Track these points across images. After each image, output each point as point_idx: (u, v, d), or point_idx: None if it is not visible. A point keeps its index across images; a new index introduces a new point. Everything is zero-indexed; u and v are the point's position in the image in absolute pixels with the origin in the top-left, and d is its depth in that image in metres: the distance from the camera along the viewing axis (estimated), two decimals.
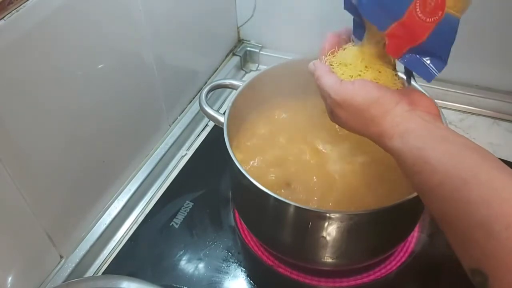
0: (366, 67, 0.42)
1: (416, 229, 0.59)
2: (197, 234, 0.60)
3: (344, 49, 0.44)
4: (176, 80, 0.72)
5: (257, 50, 0.88)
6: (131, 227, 0.63)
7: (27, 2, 0.43)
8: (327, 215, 0.45)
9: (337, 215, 0.44)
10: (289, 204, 0.44)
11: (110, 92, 0.57)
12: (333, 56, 0.44)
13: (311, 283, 0.55)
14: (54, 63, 0.47)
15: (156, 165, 0.68)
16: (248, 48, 0.88)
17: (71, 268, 0.56)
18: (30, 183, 0.48)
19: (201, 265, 0.57)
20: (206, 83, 0.81)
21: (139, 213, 0.65)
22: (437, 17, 0.38)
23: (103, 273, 0.58)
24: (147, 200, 0.66)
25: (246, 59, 0.89)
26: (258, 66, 0.89)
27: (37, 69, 0.46)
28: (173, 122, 0.74)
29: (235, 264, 0.57)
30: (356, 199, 0.51)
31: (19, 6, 0.42)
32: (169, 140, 0.71)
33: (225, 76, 0.83)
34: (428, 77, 0.41)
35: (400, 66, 0.44)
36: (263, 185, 0.45)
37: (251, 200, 0.52)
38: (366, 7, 0.38)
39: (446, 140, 0.35)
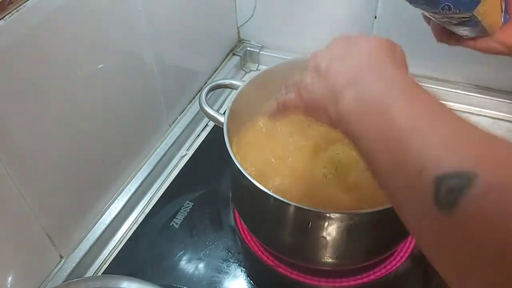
0: None
1: None
2: (197, 234, 0.60)
3: None
4: (176, 80, 0.72)
5: (257, 50, 0.88)
6: (131, 227, 0.63)
7: (27, 2, 0.43)
8: (327, 215, 0.45)
9: (337, 215, 0.44)
10: (289, 204, 0.44)
11: (110, 92, 0.57)
12: None
13: (311, 283, 0.55)
14: (54, 63, 0.47)
15: (156, 165, 0.68)
16: (248, 48, 0.88)
17: (71, 268, 0.56)
18: (30, 183, 0.48)
19: (201, 265, 0.57)
20: (206, 83, 0.81)
21: (139, 213, 0.65)
22: None
23: (103, 273, 0.58)
24: (147, 200, 0.66)
25: (246, 59, 0.89)
26: (258, 66, 0.89)
27: (37, 69, 0.46)
28: (173, 122, 0.74)
29: (235, 264, 0.57)
30: (356, 200, 0.51)
31: (19, 6, 0.42)
32: (169, 140, 0.71)
33: (225, 76, 0.83)
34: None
35: None
36: (263, 185, 0.45)
37: (251, 200, 0.52)
38: None
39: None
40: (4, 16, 0.41)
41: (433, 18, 0.51)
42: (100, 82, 0.55)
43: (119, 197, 0.64)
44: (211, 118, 0.55)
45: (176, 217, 0.62)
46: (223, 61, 0.86)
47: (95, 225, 0.60)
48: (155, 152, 0.69)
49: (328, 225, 0.46)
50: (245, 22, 0.86)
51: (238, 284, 0.55)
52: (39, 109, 0.47)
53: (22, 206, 0.48)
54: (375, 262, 0.55)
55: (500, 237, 0.22)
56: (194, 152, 0.73)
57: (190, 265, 0.57)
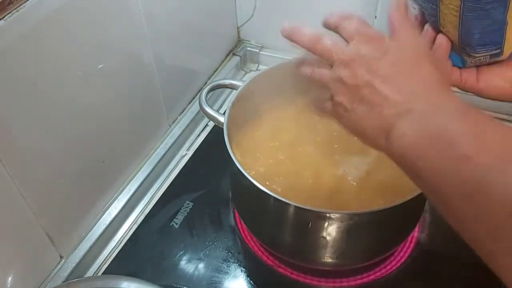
0: None
1: (416, 229, 0.59)
2: (197, 234, 0.60)
3: None
4: (176, 80, 0.72)
5: (257, 50, 0.88)
6: (131, 227, 0.63)
7: (27, 2, 0.43)
8: (327, 215, 0.45)
9: (337, 215, 0.44)
10: (289, 204, 0.44)
11: (110, 92, 0.57)
12: None
13: (311, 283, 0.55)
14: (54, 63, 0.47)
15: (156, 165, 0.68)
16: (248, 48, 0.88)
17: (71, 268, 0.56)
18: (30, 183, 0.48)
19: (201, 265, 0.57)
20: (206, 83, 0.81)
21: (139, 213, 0.65)
22: None
23: (103, 273, 0.58)
24: (147, 200, 0.66)
25: (246, 59, 0.89)
26: (258, 66, 0.89)
27: (37, 69, 0.46)
28: (173, 122, 0.74)
29: (235, 264, 0.57)
30: (356, 200, 0.51)
31: (19, 6, 0.42)
32: (169, 140, 0.71)
33: (225, 76, 0.83)
34: None
35: None
36: (262, 185, 0.45)
37: (251, 200, 0.52)
38: None
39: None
40: (4, 16, 0.41)
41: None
42: (100, 82, 0.55)
43: (119, 197, 0.64)
44: (211, 118, 0.55)
45: (176, 217, 0.62)
46: (223, 61, 0.86)
47: (95, 225, 0.60)
48: (155, 152, 0.69)
49: (328, 225, 0.46)
50: (245, 22, 0.86)
51: (238, 284, 0.55)
52: (39, 109, 0.47)
53: (22, 206, 0.48)
54: (375, 262, 0.55)
55: None
56: (194, 152, 0.73)
57: (190, 265, 0.57)
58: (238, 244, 0.59)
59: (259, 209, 0.51)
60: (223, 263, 0.57)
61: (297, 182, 0.53)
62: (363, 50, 0.35)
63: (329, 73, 0.38)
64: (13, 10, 0.42)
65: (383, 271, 0.56)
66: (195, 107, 0.76)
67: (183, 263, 0.57)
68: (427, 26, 0.44)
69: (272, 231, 0.53)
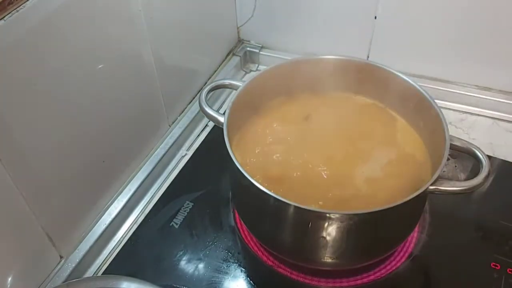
0: None
1: (416, 229, 0.59)
2: (197, 234, 0.60)
3: None
4: (176, 80, 0.72)
5: (257, 50, 0.88)
6: (131, 227, 0.63)
7: (27, 3, 0.43)
8: (327, 215, 0.45)
9: (337, 215, 0.44)
10: (289, 204, 0.44)
11: (110, 92, 0.57)
12: None
13: (311, 283, 0.55)
14: (54, 63, 0.47)
15: (156, 165, 0.68)
16: (248, 48, 0.88)
17: (71, 268, 0.56)
18: (30, 183, 0.48)
19: (201, 265, 0.57)
20: (206, 83, 0.81)
21: (139, 213, 0.65)
22: None
23: (103, 273, 0.58)
24: (147, 200, 0.66)
25: (246, 59, 0.89)
26: (258, 66, 0.89)
27: (37, 69, 0.46)
28: (173, 122, 0.74)
29: (235, 264, 0.57)
30: (356, 200, 0.51)
31: (19, 6, 0.42)
32: (169, 140, 0.71)
33: (225, 76, 0.83)
34: None
35: None
36: (262, 185, 0.45)
37: (251, 200, 0.52)
38: None
39: None
40: (4, 17, 0.41)
41: None
42: (100, 82, 0.55)
43: (119, 197, 0.64)
44: (211, 118, 0.55)
45: (176, 217, 0.62)
46: (223, 61, 0.86)
47: (95, 225, 0.60)
48: (155, 152, 0.69)
49: (328, 225, 0.46)
50: (245, 23, 0.86)
51: (238, 285, 0.55)
52: (39, 109, 0.47)
53: (22, 206, 0.48)
54: (375, 262, 0.55)
55: None
56: (194, 152, 0.73)
57: (190, 265, 0.57)
58: (238, 244, 0.59)
59: (259, 209, 0.51)
60: (223, 263, 0.57)
61: (297, 182, 0.53)
62: None
63: None
64: (13, 11, 0.42)
65: (383, 271, 0.56)
66: (195, 107, 0.76)
67: (183, 263, 0.57)
68: None
69: (272, 231, 0.53)
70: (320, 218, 0.45)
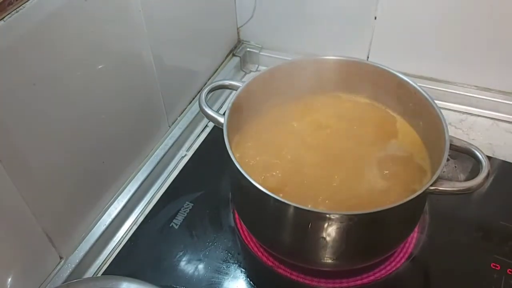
0: None
1: (416, 230, 0.59)
2: (197, 234, 0.60)
3: None
4: (176, 81, 0.72)
5: (257, 51, 0.88)
6: (131, 228, 0.63)
7: (27, 3, 0.43)
8: (327, 216, 0.45)
9: (337, 216, 0.44)
10: (288, 205, 0.44)
11: (110, 92, 0.57)
12: None
13: (311, 283, 0.55)
14: (54, 63, 0.47)
15: (156, 165, 0.68)
16: (248, 49, 0.88)
17: (71, 269, 0.56)
18: (30, 184, 0.48)
19: (200, 266, 0.57)
20: (206, 83, 0.81)
21: (139, 214, 0.65)
22: None
23: (103, 273, 0.58)
24: (147, 201, 0.66)
25: (246, 59, 0.89)
26: (258, 67, 0.89)
27: (37, 69, 0.46)
28: (173, 123, 0.74)
29: (235, 265, 0.57)
30: (355, 200, 0.51)
31: (19, 7, 0.42)
32: (168, 140, 0.71)
33: (225, 76, 0.83)
34: None
35: None
36: (262, 186, 0.45)
37: (251, 201, 0.52)
38: None
39: None
40: (4, 17, 0.41)
41: None
42: (100, 82, 0.55)
43: (119, 198, 0.64)
44: (211, 119, 0.55)
45: (176, 217, 0.62)
46: (223, 62, 0.86)
47: (95, 225, 0.60)
48: (155, 153, 0.69)
49: (328, 225, 0.46)
50: (245, 23, 0.86)
51: (238, 285, 0.55)
52: (39, 110, 0.47)
53: (21, 206, 0.48)
54: (375, 263, 0.55)
55: None
56: (194, 152, 0.73)
57: (190, 266, 0.57)
58: (238, 245, 0.59)
59: (259, 210, 0.51)
60: (222, 264, 0.57)
61: (297, 182, 0.53)
62: None
63: None
64: (12, 11, 0.42)
65: (382, 272, 0.56)
66: (195, 108, 0.76)
67: (182, 263, 0.57)
68: None
69: (272, 232, 0.53)
70: (320, 218, 0.45)
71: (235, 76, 0.87)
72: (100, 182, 0.61)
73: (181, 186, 0.67)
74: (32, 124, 0.47)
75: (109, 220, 0.61)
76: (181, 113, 0.76)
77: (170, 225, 0.61)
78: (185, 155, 0.73)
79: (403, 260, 0.57)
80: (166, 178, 0.69)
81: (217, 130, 0.53)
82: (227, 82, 0.59)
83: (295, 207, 0.44)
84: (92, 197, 0.60)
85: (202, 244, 0.59)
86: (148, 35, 0.61)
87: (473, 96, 0.76)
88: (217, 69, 0.84)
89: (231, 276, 0.56)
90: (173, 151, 0.72)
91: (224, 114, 0.53)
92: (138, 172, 0.67)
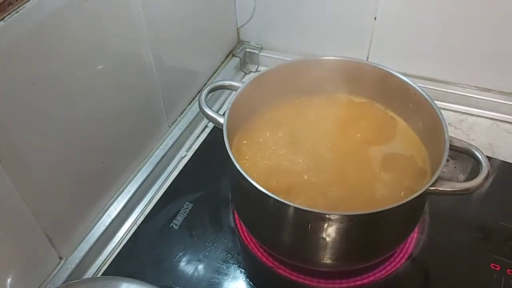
0: None
1: (416, 230, 0.59)
2: (197, 235, 0.60)
3: None
4: (176, 81, 0.72)
5: (257, 51, 0.88)
6: (131, 228, 0.63)
7: (27, 4, 0.43)
8: (327, 216, 0.45)
9: (336, 216, 0.44)
10: (288, 206, 0.44)
11: (110, 93, 0.57)
12: None
13: (311, 284, 0.55)
14: (54, 64, 0.47)
15: (156, 166, 0.68)
16: (248, 49, 0.88)
17: (70, 269, 0.55)
18: (29, 184, 0.48)
19: (200, 266, 0.57)
20: (205, 84, 0.81)
21: (138, 214, 0.65)
22: None
23: (103, 274, 0.58)
24: (147, 201, 0.66)
25: (246, 60, 0.89)
26: (257, 67, 0.89)
27: (37, 70, 0.46)
28: (172, 123, 0.74)
29: (234, 265, 0.57)
30: (355, 201, 0.51)
31: (19, 7, 0.42)
32: (168, 141, 0.71)
33: (224, 77, 0.83)
34: None
35: None
36: (262, 186, 0.45)
37: (251, 201, 0.52)
38: None
39: None
40: (4, 17, 0.41)
41: None
42: (100, 83, 0.55)
43: (118, 198, 0.63)
44: (210, 119, 0.55)
45: (176, 218, 0.62)
46: (222, 62, 0.86)
47: (94, 226, 0.60)
48: (155, 153, 0.69)
49: (327, 226, 0.46)
50: (245, 23, 0.86)
51: (238, 286, 0.55)
52: (39, 110, 0.47)
53: (21, 207, 0.48)
54: (375, 263, 0.55)
55: None
56: (194, 153, 0.73)
57: (190, 266, 0.57)
58: (238, 245, 0.59)
59: (259, 210, 0.51)
60: (222, 264, 0.57)
61: (298, 183, 0.53)
62: None
63: None
64: (12, 11, 0.41)
65: (382, 272, 0.56)
66: (194, 108, 0.76)
67: (182, 264, 0.57)
68: None
69: (272, 232, 0.53)
70: (319, 219, 0.45)
71: (235, 77, 0.87)
72: (100, 182, 0.61)
73: (181, 186, 0.67)
74: (32, 124, 0.47)
75: (109, 220, 0.61)
76: (181, 114, 0.76)
77: (170, 225, 0.61)
78: (185, 155, 0.73)
79: (403, 261, 0.57)
80: (166, 178, 0.69)
81: (217, 130, 0.53)
82: (227, 83, 0.59)
83: (295, 208, 0.44)
84: (92, 197, 0.60)
85: (202, 245, 0.59)
86: (148, 35, 0.61)
87: (473, 97, 0.76)
88: (217, 70, 0.84)
89: (231, 276, 0.56)
90: (173, 152, 0.72)
91: (224, 114, 0.53)
92: (138, 172, 0.67)
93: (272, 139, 0.58)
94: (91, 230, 0.60)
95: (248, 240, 0.59)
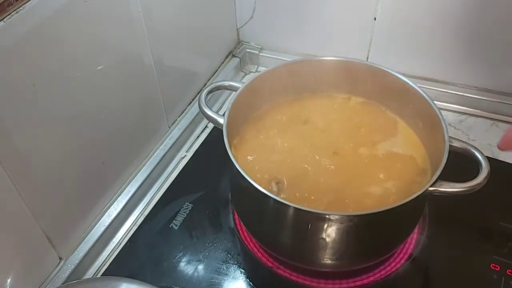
0: None
1: (416, 231, 0.59)
2: (197, 235, 0.60)
3: None
4: (176, 82, 0.72)
5: (257, 52, 0.88)
6: (131, 229, 0.63)
7: (27, 4, 0.43)
8: (327, 216, 0.45)
9: (336, 216, 0.44)
10: (288, 206, 0.44)
11: (110, 93, 0.57)
12: None
13: (311, 284, 0.55)
14: (53, 64, 0.47)
15: (156, 166, 0.68)
16: (248, 50, 0.88)
17: (70, 270, 0.55)
18: (29, 185, 0.48)
19: (200, 267, 0.57)
20: (205, 84, 0.81)
21: (138, 215, 0.65)
22: None
23: (103, 274, 0.58)
24: (147, 202, 0.66)
25: (246, 60, 0.89)
26: (257, 68, 0.89)
27: (36, 70, 0.46)
28: (172, 124, 0.74)
29: (234, 265, 0.57)
30: (355, 201, 0.51)
31: (19, 7, 0.42)
32: (168, 141, 0.71)
33: (224, 77, 0.83)
34: None
35: None
36: (262, 187, 0.45)
37: (251, 202, 0.52)
38: None
39: None
40: (4, 18, 0.41)
41: None
42: (100, 83, 0.55)
43: (118, 199, 0.63)
44: (210, 119, 0.55)
45: (176, 218, 0.62)
46: (222, 63, 0.86)
47: (94, 226, 0.60)
48: (155, 154, 0.69)
49: (327, 226, 0.46)
50: (245, 24, 0.86)
51: (238, 286, 0.55)
52: (39, 110, 0.47)
53: (21, 207, 0.48)
54: (375, 263, 0.55)
55: None
56: (194, 153, 0.73)
57: (190, 267, 0.57)
58: (238, 246, 0.59)
59: (259, 211, 0.51)
60: (222, 265, 0.57)
61: (298, 183, 0.53)
62: None
63: None
64: (12, 12, 0.42)
65: (382, 272, 0.56)
66: (194, 109, 0.76)
67: (182, 264, 0.57)
68: None
69: (272, 233, 0.53)
70: (319, 219, 0.45)
71: (234, 77, 0.87)
72: (99, 182, 0.61)
73: (181, 187, 0.67)
74: (32, 125, 0.47)
75: (109, 220, 0.61)
76: (181, 114, 0.76)
77: (170, 226, 0.61)
78: (185, 156, 0.73)
79: (403, 261, 0.57)
80: (165, 179, 0.69)
81: (217, 131, 0.53)
82: (226, 83, 0.59)
83: (295, 208, 0.44)
84: (92, 198, 0.60)
85: (201, 245, 0.59)
86: (148, 36, 0.61)
87: (472, 97, 0.76)
88: (216, 70, 0.84)
89: (231, 277, 0.56)
90: (173, 152, 0.72)
91: (223, 115, 0.53)
92: (138, 172, 0.67)
93: (272, 139, 0.58)
94: (91, 230, 0.60)
95: (248, 240, 0.59)
